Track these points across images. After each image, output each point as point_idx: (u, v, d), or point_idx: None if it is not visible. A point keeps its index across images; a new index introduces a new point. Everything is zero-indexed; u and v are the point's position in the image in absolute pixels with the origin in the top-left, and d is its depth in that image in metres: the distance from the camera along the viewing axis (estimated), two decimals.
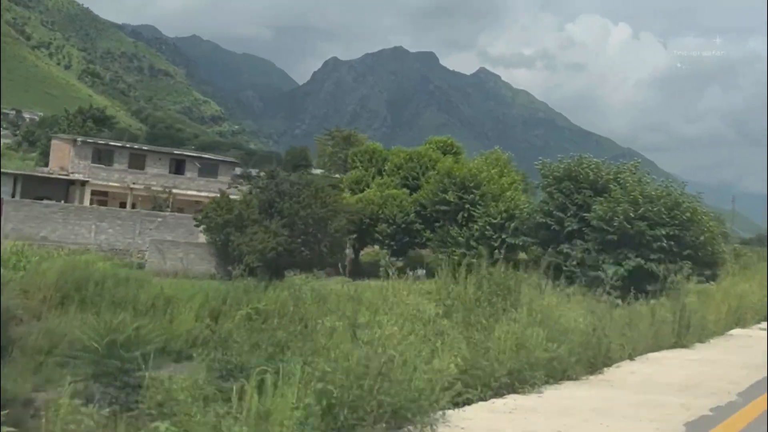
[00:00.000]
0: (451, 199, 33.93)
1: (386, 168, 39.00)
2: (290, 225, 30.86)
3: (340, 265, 28.73)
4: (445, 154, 38.07)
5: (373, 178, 38.77)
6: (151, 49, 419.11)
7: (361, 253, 40.48)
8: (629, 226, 28.28)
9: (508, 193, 33.60)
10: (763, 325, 14.42)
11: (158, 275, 33.27)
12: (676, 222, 28.64)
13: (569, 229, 30.63)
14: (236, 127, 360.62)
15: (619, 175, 30.87)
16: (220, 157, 57.59)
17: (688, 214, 28.84)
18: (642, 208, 28.39)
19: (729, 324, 13.65)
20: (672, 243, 28.33)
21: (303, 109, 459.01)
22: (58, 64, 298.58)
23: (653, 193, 28.99)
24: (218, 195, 35.49)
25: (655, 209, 28.34)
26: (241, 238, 30.25)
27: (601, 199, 29.49)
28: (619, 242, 28.92)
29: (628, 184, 29.64)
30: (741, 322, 14.38)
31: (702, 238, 29.12)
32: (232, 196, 34.63)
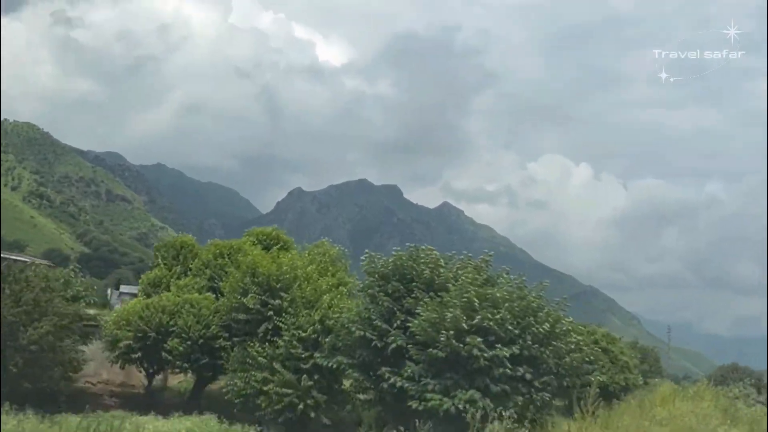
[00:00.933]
0: (251, 305, 25.11)
1: (192, 267, 30.32)
2: None
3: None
4: (268, 250, 29.64)
5: (179, 278, 29.99)
6: (111, 174, 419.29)
7: (157, 377, 30.92)
8: (459, 344, 19.62)
9: (326, 297, 24.83)
10: None
11: None
12: (529, 336, 20.09)
13: (394, 345, 21.72)
14: None
15: (459, 272, 22.46)
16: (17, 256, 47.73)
17: (546, 326, 20.31)
18: (478, 316, 19.79)
19: None
20: (523, 367, 19.62)
21: None
22: (6, 185, 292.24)
23: (498, 295, 20.49)
24: None
25: (496, 317, 19.78)
26: None
27: (428, 301, 20.96)
28: (449, 364, 20.16)
29: (460, 281, 21.17)
30: None
31: (567, 359, 20.51)
32: None
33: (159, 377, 32.12)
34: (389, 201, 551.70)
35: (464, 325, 19.75)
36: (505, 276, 23.50)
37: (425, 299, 21.05)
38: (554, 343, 20.51)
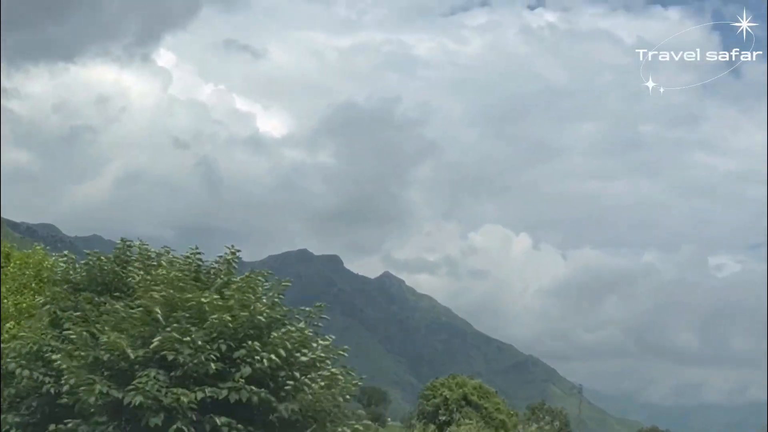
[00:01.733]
0: None
1: None
2: None
3: None
4: None
5: None
6: (41, 245, 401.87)
7: None
8: (115, 389, 11.92)
9: (9, 325, 16.80)
10: None
11: None
12: (248, 369, 12.36)
13: (67, 386, 13.76)
14: None
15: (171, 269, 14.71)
16: None
17: (281, 353, 12.62)
18: (159, 338, 12.05)
19: None
20: (221, 419, 11.85)
21: None
22: None
23: (204, 301, 12.75)
24: None
25: (186, 339, 12.06)
26: None
27: (78, 315, 13.26)
28: (113, 415, 12.32)
29: (141, 281, 13.51)
30: None
31: (310, 397, 12.81)
32: None
33: None
34: (330, 271, 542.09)
35: (131, 353, 11.98)
36: (261, 284, 15.72)
37: (86, 316, 13.26)
38: (298, 375, 12.85)
